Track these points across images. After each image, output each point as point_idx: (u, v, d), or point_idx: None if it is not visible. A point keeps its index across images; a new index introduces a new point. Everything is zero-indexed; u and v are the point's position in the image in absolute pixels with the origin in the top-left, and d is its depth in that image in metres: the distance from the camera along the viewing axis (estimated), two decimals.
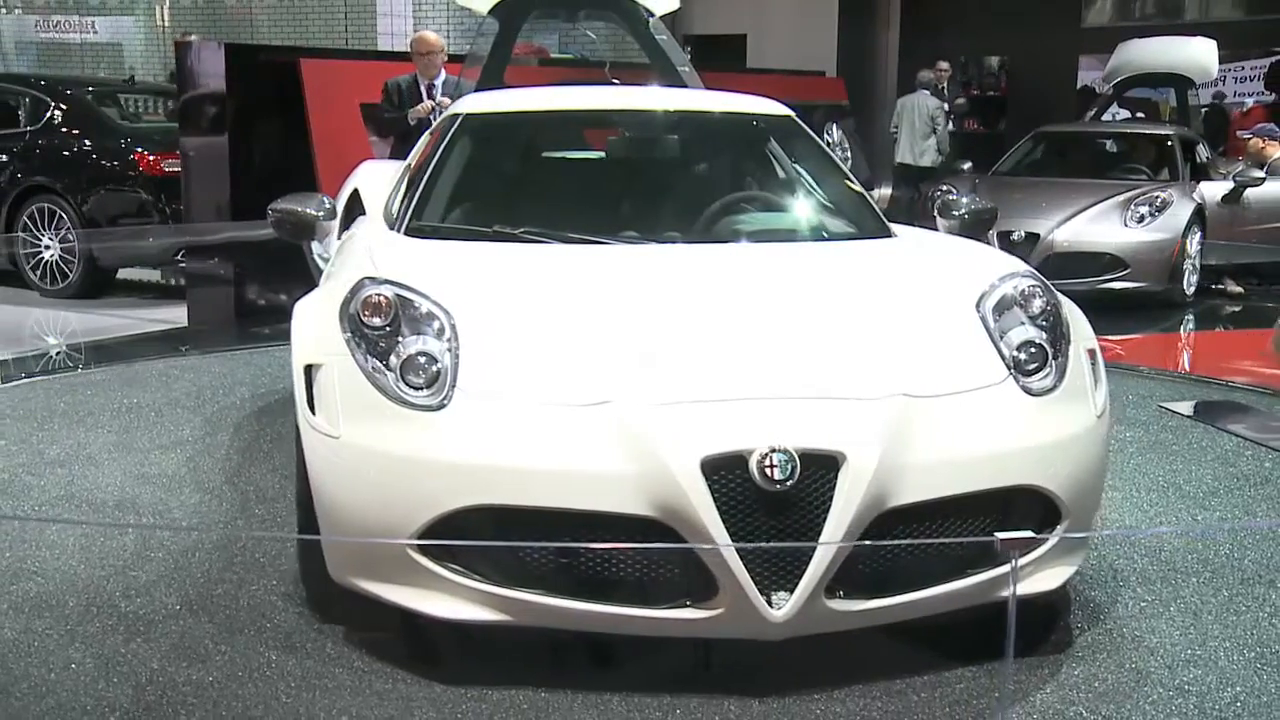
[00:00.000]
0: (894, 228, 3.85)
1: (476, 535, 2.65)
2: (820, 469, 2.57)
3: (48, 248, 8.16)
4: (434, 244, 3.53)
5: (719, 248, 3.60)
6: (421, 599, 2.70)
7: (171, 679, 2.73)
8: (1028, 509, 2.82)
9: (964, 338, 2.98)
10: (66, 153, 8.33)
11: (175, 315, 7.62)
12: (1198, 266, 8.53)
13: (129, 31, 18.18)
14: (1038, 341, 2.97)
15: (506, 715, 2.59)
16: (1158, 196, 8.33)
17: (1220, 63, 10.85)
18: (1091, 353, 3.09)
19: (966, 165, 9.93)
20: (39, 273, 8.24)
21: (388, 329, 2.85)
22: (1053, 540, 2.83)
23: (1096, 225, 8.19)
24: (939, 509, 2.71)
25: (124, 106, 9.40)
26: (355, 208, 4.71)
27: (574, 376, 2.74)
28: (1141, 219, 8.21)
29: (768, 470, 2.52)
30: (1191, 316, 8.25)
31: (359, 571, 2.80)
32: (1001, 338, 2.98)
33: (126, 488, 4.07)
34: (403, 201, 3.87)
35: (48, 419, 4.89)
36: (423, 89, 6.88)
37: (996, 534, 2.41)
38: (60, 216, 8.12)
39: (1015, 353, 2.95)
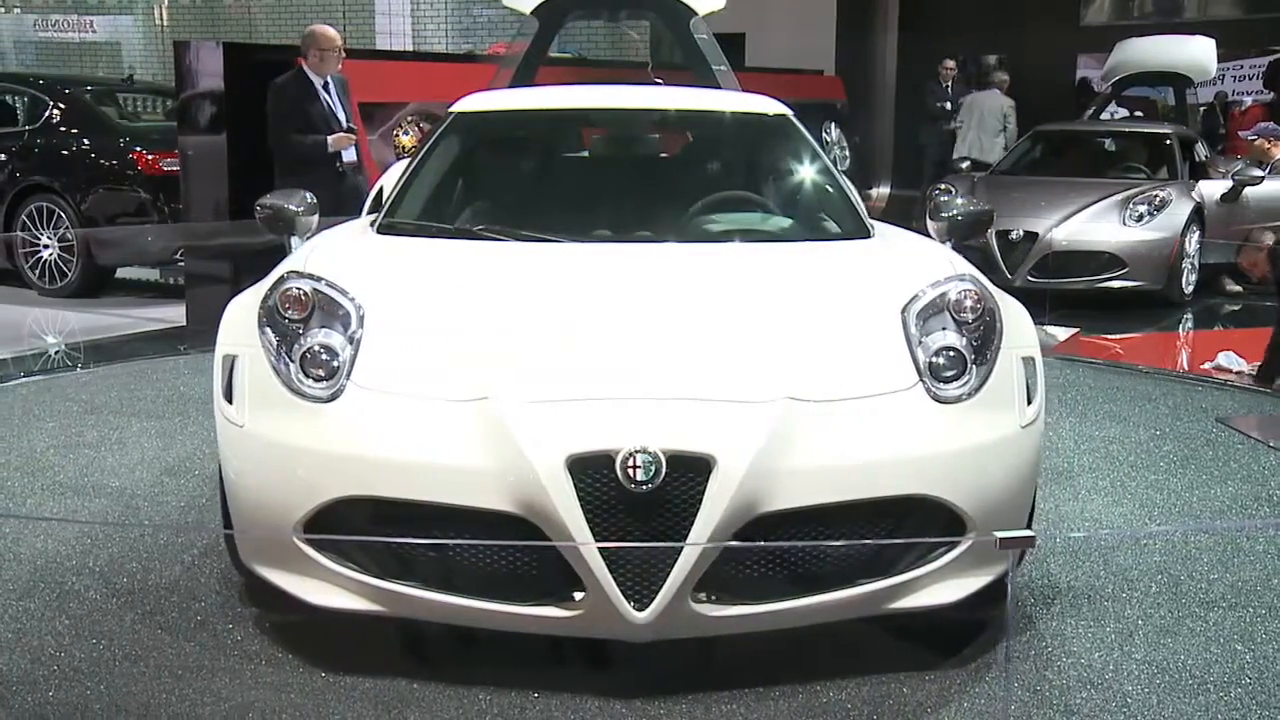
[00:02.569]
0: (880, 227, 3.83)
1: (354, 526, 2.70)
2: (689, 471, 2.54)
3: (46, 247, 8.16)
4: (390, 240, 3.59)
5: (673, 248, 3.57)
6: (306, 587, 2.77)
7: (71, 655, 2.85)
8: (928, 519, 2.73)
9: (878, 342, 2.92)
10: (65, 152, 8.32)
11: (173, 314, 7.63)
12: (1197, 265, 8.53)
13: (127, 31, 18.18)
14: (957, 347, 2.89)
15: (369, 705, 2.64)
16: (1156, 195, 8.33)
17: (1219, 61, 10.85)
18: (1029, 361, 3.00)
19: (965, 164, 9.93)
20: (37, 272, 8.23)
21: (302, 323, 2.93)
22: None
23: (1095, 224, 8.19)
24: (824, 515, 2.65)
25: (122, 106, 9.39)
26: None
27: (459, 372, 2.77)
28: (1140, 218, 8.21)
29: (631, 471, 2.51)
30: (1190, 316, 8.25)
31: (259, 558, 2.89)
32: (920, 343, 2.91)
33: (136, 472, 4.27)
34: (386, 199, 3.95)
35: (102, 407, 5.16)
36: (318, 86, 6.43)
37: (996, 533, 2.38)
38: (59, 215, 8.11)
39: (933, 358, 2.88)
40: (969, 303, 2.99)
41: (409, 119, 8.20)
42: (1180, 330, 7.91)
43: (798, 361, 2.81)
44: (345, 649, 2.84)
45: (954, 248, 3.96)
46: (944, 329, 2.95)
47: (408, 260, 3.41)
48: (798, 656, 2.85)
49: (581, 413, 2.63)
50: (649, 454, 2.51)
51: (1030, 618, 3.13)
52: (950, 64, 12.30)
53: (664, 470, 2.51)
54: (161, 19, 17.76)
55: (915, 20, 15.14)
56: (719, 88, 6.08)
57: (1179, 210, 8.30)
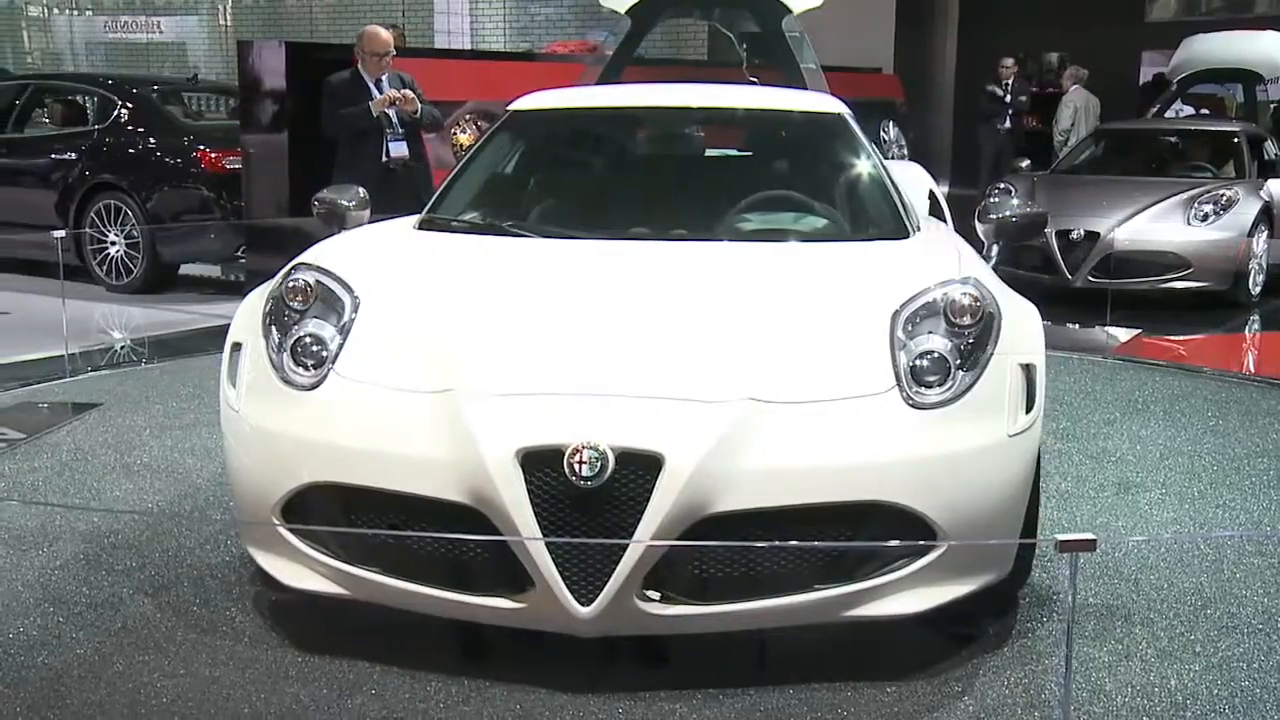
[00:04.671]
0: (930, 226, 3.78)
1: (325, 510, 2.81)
2: (639, 469, 2.54)
3: (113, 243, 8.33)
4: (417, 235, 3.68)
5: (690, 247, 3.55)
6: (281, 567, 2.90)
7: (74, 624, 3.03)
8: (891, 526, 2.67)
9: (859, 345, 2.86)
10: (132, 150, 8.48)
11: (234, 310, 7.74)
12: (1264, 266, 8.34)
13: (192, 31, 18.51)
14: (940, 352, 2.82)
15: (324, 685, 2.73)
16: (1223, 194, 8.16)
17: None
18: (1029, 368, 2.91)
19: (1025, 163, 9.81)
20: (105, 268, 8.41)
21: (302, 313, 3.03)
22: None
23: (1158, 224, 8.05)
24: (779, 518, 2.61)
25: (187, 105, 9.56)
26: None
27: (432, 364, 2.82)
28: (1205, 217, 8.05)
29: (578, 466, 2.52)
30: (1257, 317, 8.07)
31: (249, 540, 3.02)
32: (904, 346, 2.84)
33: (212, 454, 4.43)
34: (435, 195, 4.04)
35: (211, 391, 5.50)
36: (370, 84, 6.40)
37: (1057, 535, 2.32)
38: (125, 213, 8.28)
39: (915, 362, 2.81)
40: (965, 303, 2.92)
41: (467, 117, 8.27)
42: (1247, 332, 7.75)
43: (767, 363, 2.79)
44: (325, 629, 2.94)
45: (1004, 249, 3.91)
46: (930, 333, 2.88)
47: (420, 255, 3.48)
48: (758, 659, 2.84)
49: (534, 407, 2.67)
50: (595, 450, 2.53)
51: (1025, 632, 3.03)
52: (1009, 62, 12.15)
53: (612, 467, 2.52)
54: (225, 19, 18.06)
55: (975, 18, 14.98)
56: (804, 87, 6.03)
57: (1246, 210, 8.12)
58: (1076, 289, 7.93)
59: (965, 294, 2.94)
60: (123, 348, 6.73)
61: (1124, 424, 5.07)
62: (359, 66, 6.48)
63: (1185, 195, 8.19)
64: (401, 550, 2.74)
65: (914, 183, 5.11)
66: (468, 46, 15.27)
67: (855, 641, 2.89)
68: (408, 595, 2.73)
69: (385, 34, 6.53)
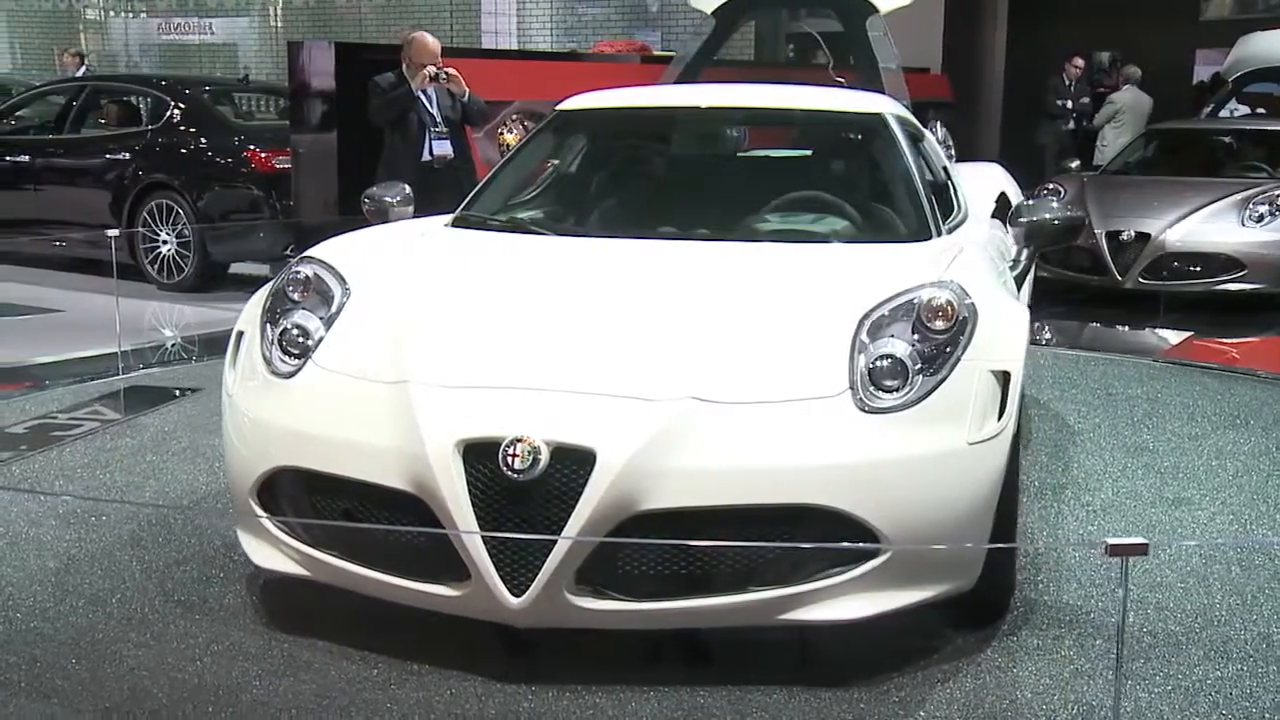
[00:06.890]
0: (978, 226, 3.74)
1: (292, 495, 2.92)
2: (573, 463, 2.57)
3: (165, 242, 8.45)
4: (443, 232, 3.75)
5: (696, 247, 3.56)
6: (255, 548, 3.01)
7: (79, 596, 3.19)
8: (833, 530, 2.63)
9: (818, 347, 2.82)
10: (184, 150, 8.60)
11: None
12: None
13: (243, 32, 18.75)
14: (899, 356, 2.76)
15: (278, 663, 2.83)
16: (1278, 195, 8.02)
17: None
18: (1004, 375, 2.83)
19: (1074, 163, 9.68)
20: (156, 267, 8.53)
21: (297, 303, 3.12)
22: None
23: (1211, 225, 7.92)
24: (715, 517, 2.60)
25: (238, 105, 9.68)
26: None
27: (397, 356, 2.88)
28: (1260, 218, 7.91)
29: (510, 459, 2.56)
30: None
31: (239, 522, 3.11)
32: (864, 350, 2.78)
33: None
34: (473, 193, 4.09)
35: None
36: (413, 86, 6.35)
37: (1106, 539, 2.28)
38: (177, 212, 8.40)
39: (875, 364, 2.76)
40: (939, 306, 2.84)
41: (514, 117, 8.31)
42: None
43: (719, 363, 2.78)
44: (302, 610, 3.03)
45: (1034, 251, 3.84)
46: (893, 336, 2.82)
47: (424, 251, 3.54)
48: (706, 658, 2.86)
49: (475, 399, 2.72)
50: (528, 443, 2.56)
51: (994, 642, 2.95)
52: (1080, 63, 12.03)
53: (545, 461, 2.56)
54: (276, 21, 18.27)
55: (1025, 17, 14.80)
56: (881, 88, 6.00)
57: None
58: (1126, 290, 7.83)
59: (940, 297, 2.87)
60: (174, 345, 6.82)
61: (1176, 430, 4.98)
62: (404, 69, 6.49)
63: (1240, 196, 8.05)
64: (354, 535, 2.83)
65: (984, 183, 5.06)
66: (514, 46, 15.35)
67: (808, 645, 2.88)
68: (360, 579, 2.82)
69: (434, 43, 6.51)
